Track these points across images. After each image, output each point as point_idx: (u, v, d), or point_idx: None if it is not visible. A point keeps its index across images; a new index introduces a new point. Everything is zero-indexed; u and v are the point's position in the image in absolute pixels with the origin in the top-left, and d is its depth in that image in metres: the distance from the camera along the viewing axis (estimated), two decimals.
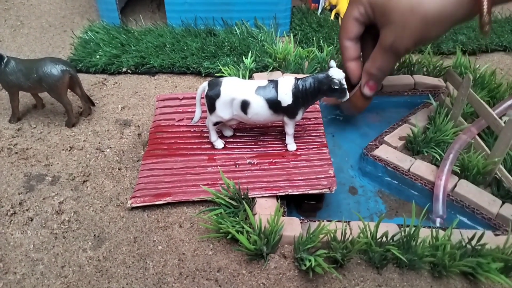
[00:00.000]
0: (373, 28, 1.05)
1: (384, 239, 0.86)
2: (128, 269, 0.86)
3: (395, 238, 0.86)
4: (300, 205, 1.02)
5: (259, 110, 1.02)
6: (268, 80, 1.03)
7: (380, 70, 1.06)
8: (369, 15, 1.02)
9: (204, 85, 1.04)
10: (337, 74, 0.99)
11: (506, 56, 1.64)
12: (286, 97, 1.00)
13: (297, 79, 1.02)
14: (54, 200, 0.99)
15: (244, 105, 1.01)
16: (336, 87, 0.98)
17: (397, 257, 0.82)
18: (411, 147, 1.14)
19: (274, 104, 1.01)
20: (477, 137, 1.10)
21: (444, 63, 1.44)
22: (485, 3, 0.86)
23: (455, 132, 1.12)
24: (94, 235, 0.92)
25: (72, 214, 0.96)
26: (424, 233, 0.88)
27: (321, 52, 1.43)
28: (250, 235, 0.84)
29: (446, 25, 0.94)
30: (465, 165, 1.04)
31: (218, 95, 1.01)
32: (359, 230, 0.87)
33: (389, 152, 1.12)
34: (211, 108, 1.03)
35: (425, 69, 1.41)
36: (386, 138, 1.15)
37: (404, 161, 1.09)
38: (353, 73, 1.12)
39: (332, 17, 1.71)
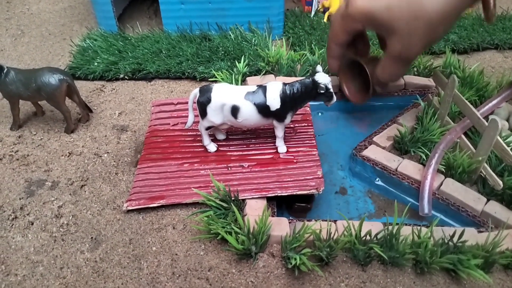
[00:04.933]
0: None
1: (368, 237, 0.89)
2: (123, 270, 0.90)
3: (379, 236, 0.90)
4: (291, 206, 1.06)
5: (249, 115, 1.05)
6: (257, 86, 1.07)
7: (391, 77, 1.05)
8: (366, 28, 1.02)
9: (195, 91, 1.08)
10: (323, 78, 1.02)
11: (497, 54, 1.65)
12: (274, 102, 1.04)
13: (284, 84, 1.05)
14: (53, 205, 1.04)
15: (234, 110, 1.05)
16: (322, 91, 1.02)
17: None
18: (399, 147, 1.16)
19: (263, 109, 1.05)
20: (463, 136, 1.12)
21: (434, 62, 1.46)
22: None
23: (442, 132, 1.15)
24: (92, 238, 0.96)
25: (70, 218, 1.01)
26: (409, 231, 0.91)
27: (313, 55, 1.46)
28: (239, 235, 0.88)
29: (452, 20, 0.91)
30: (450, 164, 1.06)
31: (208, 101, 1.05)
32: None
33: (378, 152, 1.14)
34: (203, 113, 1.07)
35: (415, 69, 1.44)
36: (375, 139, 1.18)
37: (392, 161, 1.12)
38: (332, 67, 1.15)
39: (325, 20, 1.74)
